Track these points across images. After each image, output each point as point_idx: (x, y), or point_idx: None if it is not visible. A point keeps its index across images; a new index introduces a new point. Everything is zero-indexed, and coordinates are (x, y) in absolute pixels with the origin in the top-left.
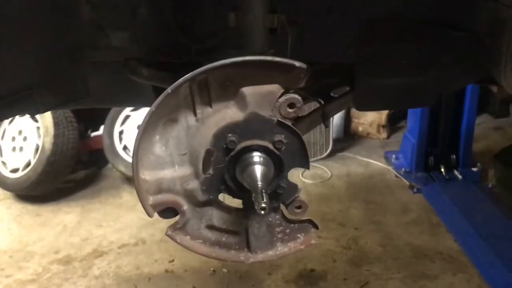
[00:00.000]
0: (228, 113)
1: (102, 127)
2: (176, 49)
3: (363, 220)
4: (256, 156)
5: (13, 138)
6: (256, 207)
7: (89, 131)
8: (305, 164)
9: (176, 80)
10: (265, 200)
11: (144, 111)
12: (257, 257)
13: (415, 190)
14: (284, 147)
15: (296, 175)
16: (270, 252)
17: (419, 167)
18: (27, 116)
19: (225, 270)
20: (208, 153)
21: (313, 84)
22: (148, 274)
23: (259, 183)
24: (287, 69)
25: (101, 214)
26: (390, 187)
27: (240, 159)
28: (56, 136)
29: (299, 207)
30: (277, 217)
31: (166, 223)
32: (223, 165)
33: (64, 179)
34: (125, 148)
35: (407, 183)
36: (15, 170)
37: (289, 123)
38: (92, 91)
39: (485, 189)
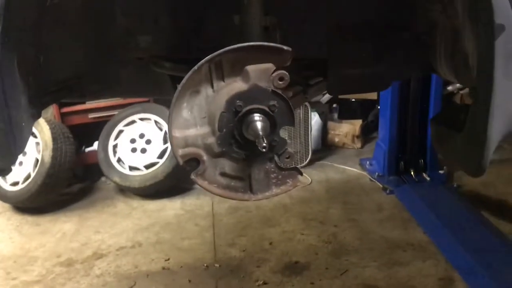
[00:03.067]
0: (236, 85)
1: (95, 143)
2: (189, 47)
3: (341, 218)
4: (257, 116)
5: None
6: (259, 148)
7: (83, 147)
8: (292, 123)
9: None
10: (265, 141)
11: (134, 128)
12: (258, 197)
13: (388, 191)
14: (276, 109)
15: None
16: (267, 193)
17: (391, 171)
18: None
19: (217, 265)
20: (222, 115)
21: (296, 75)
22: (146, 272)
23: (260, 132)
24: (278, 51)
25: (97, 221)
26: (365, 190)
27: (245, 119)
28: (54, 150)
29: (288, 157)
30: (272, 165)
31: (159, 227)
32: (232, 124)
33: (61, 191)
34: (119, 160)
35: (381, 185)
36: (15, 184)
37: (280, 92)
38: (122, 83)
39: (450, 188)
